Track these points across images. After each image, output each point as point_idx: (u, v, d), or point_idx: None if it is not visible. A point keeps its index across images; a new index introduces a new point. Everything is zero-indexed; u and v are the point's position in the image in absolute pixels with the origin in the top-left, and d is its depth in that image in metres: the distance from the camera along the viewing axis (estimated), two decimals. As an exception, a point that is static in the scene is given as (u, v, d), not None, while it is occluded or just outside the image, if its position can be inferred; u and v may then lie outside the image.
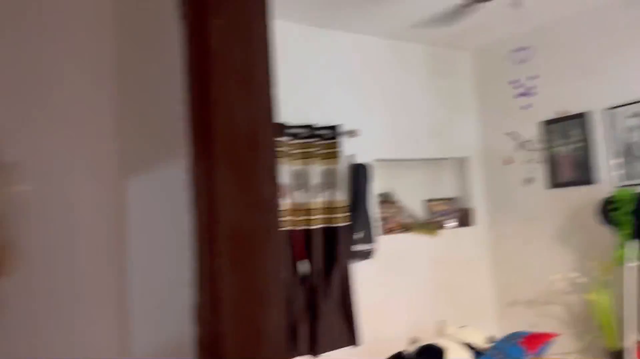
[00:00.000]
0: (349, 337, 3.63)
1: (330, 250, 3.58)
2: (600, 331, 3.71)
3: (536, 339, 3.47)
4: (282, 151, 3.41)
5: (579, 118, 3.99)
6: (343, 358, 3.50)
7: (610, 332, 3.60)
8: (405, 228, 4.28)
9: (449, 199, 4.67)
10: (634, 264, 3.37)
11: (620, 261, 3.46)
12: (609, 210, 3.52)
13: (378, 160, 4.08)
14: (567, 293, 3.99)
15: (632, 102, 3.68)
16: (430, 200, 4.56)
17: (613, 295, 3.60)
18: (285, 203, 3.38)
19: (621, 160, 3.75)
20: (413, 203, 4.48)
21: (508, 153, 4.52)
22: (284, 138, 3.44)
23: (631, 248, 3.36)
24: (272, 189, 0.84)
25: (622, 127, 3.73)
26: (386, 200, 4.26)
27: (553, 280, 4.08)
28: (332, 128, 3.68)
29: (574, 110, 4.02)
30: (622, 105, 3.73)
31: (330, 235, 3.58)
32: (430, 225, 4.40)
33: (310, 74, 3.77)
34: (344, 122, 3.80)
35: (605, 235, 3.64)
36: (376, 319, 3.80)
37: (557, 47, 4.13)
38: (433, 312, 4.16)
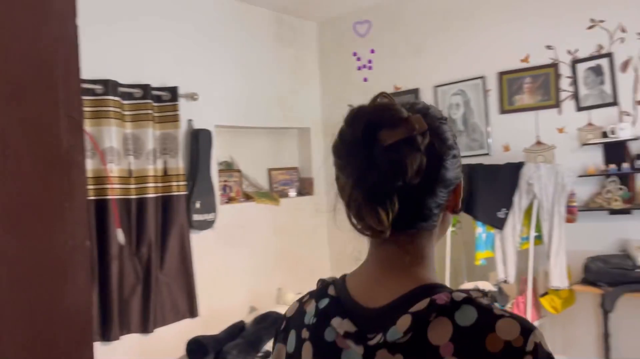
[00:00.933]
0: (188, 309, 3.50)
1: (167, 219, 3.37)
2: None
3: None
4: (111, 112, 3.09)
5: (412, 93, 4.25)
6: (181, 331, 3.36)
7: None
8: (247, 197, 4.22)
9: (291, 168, 4.70)
10: (452, 229, 3.70)
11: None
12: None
13: (220, 127, 3.93)
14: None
15: (455, 81, 4.00)
16: (272, 169, 4.55)
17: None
18: (114, 169, 3.09)
19: (445, 134, 4.09)
20: (255, 172, 4.42)
21: (347, 125, 4.66)
22: (114, 98, 3.11)
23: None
24: (76, 142, 0.69)
25: (447, 103, 4.05)
26: (228, 168, 4.15)
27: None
28: (170, 89, 3.44)
29: (407, 86, 4.28)
30: (448, 84, 4.04)
31: (167, 204, 3.37)
32: (272, 194, 4.40)
33: (144, 29, 3.46)
34: (184, 84, 3.57)
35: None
36: (216, 290, 3.71)
37: (393, 24, 4.33)
38: (273, 281, 4.19)
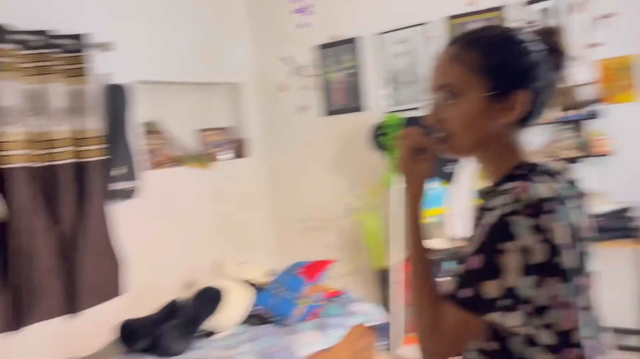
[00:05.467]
0: (113, 288, 3.10)
1: (83, 189, 2.92)
2: (368, 253, 3.86)
3: (315, 268, 3.43)
4: (4, 63, 2.57)
5: (351, 43, 3.94)
6: (109, 313, 2.96)
7: (378, 252, 3.76)
8: (175, 161, 3.80)
9: (223, 128, 4.31)
10: (398, 187, 3.50)
11: (388, 185, 3.58)
12: (378, 135, 3.58)
13: (141, 82, 3.45)
14: (342, 218, 4.06)
15: (398, 28, 3.73)
16: (202, 130, 4.13)
17: (382, 217, 3.74)
18: (11, 131, 2.59)
19: (389, 86, 3.84)
20: (183, 133, 3.99)
21: (282, 79, 4.31)
22: (4, 46, 2.58)
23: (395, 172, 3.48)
24: None
25: (389, 53, 3.78)
26: (152, 129, 3.69)
27: (328, 206, 4.11)
28: (76, 37, 2.92)
29: (347, 34, 3.96)
30: (390, 31, 3.76)
31: (81, 171, 2.91)
32: (204, 157, 4.00)
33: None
34: (95, 31, 3.06)
35: (376, 160, 3.73)
36: (145, 266, 3.31)
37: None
38: (209, 252, 3.85)
